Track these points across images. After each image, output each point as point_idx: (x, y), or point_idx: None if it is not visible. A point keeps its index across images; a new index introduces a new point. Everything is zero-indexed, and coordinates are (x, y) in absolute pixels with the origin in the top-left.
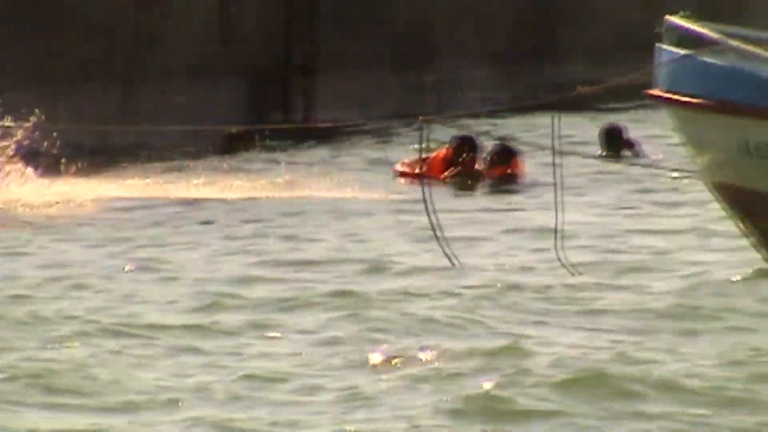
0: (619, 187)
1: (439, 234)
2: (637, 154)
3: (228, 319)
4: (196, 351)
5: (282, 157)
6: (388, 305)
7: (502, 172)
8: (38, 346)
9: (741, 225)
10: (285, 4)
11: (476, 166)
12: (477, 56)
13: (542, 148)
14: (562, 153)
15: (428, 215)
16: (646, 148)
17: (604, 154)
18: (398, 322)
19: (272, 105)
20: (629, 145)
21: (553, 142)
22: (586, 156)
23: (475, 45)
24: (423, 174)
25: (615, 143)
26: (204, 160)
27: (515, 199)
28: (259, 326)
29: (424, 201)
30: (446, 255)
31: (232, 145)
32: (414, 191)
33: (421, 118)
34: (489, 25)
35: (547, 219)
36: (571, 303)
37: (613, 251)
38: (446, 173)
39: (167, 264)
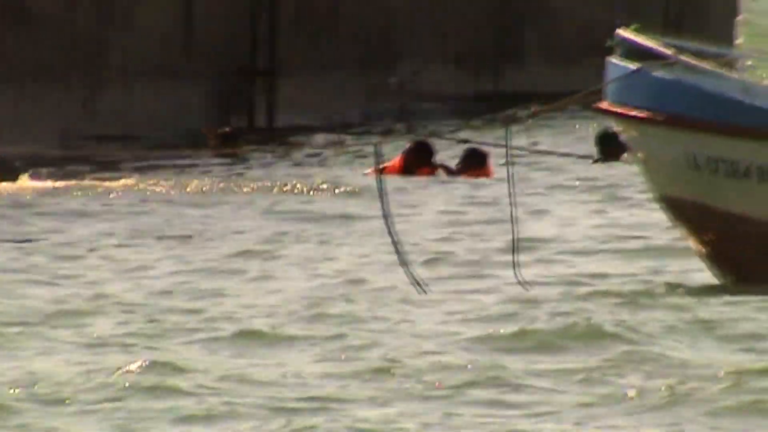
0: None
1: (404, 258)
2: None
3: None
4: None
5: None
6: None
7: (475, 175)
8: None
9: (689, 238)
10: (248, 7)
11: (441, 172)
12: (439, 57)
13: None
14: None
15: (394, 245)
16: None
17: (598, 159)
18: None
19: (235, 108)
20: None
21: (507, 159)
22: (581, 157)
23: (438, 46)
24: (384, 206)
25: (611, 148)
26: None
27: (489, 208)
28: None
29: (390, 233)
30: (413, 282)
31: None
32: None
33: (375, 142)
34: (451, 25)
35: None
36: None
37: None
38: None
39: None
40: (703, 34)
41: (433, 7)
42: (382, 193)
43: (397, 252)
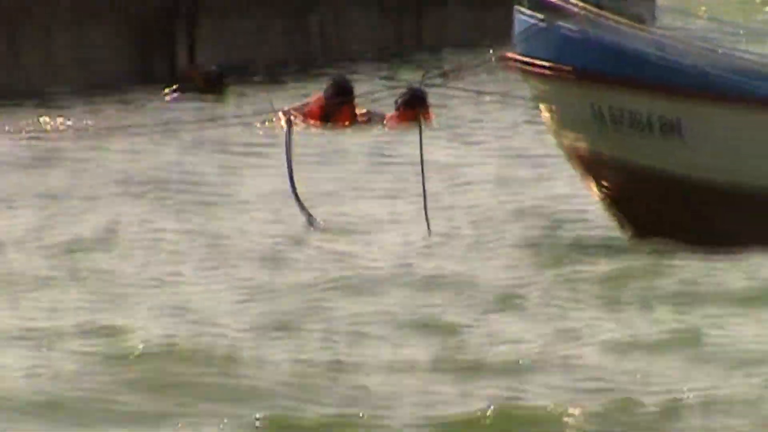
0: None
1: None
2: None
3: None
4: None
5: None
6: None
7: (413, 117)
8: None
9: (596, 192)
10: None
11: (364, 117)
12: (360, 1)
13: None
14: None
15: (291, 183)
16: None
17: None
18: None
19: (157, 52)
20: None
21: (420, 130)
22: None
23: None
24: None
25: None
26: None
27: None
28: None
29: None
30: (306, 216)
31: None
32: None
33: (284, 111)
34: None
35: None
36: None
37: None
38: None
39: None
40: None
41: None
42: (288, 140)
43: (294, 191)
